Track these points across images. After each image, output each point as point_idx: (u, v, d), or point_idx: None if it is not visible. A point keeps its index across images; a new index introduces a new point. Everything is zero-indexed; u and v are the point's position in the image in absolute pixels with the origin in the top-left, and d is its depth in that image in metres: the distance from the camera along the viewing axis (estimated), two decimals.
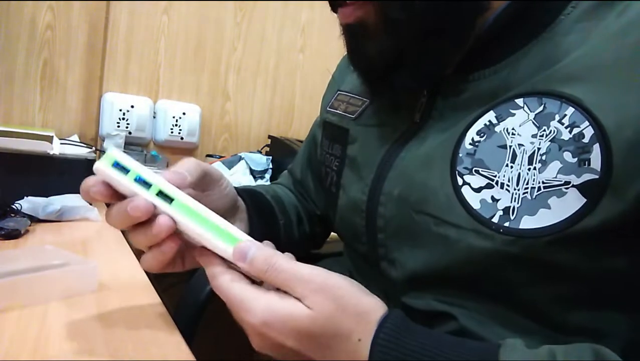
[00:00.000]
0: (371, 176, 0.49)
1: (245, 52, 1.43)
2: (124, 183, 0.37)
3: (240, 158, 1.26)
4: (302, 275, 0.34)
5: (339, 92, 0.62)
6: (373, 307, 0.36)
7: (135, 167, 0.37)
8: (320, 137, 0.64)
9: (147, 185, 0.37)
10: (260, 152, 1.37)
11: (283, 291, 0.35)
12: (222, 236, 0.37)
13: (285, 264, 0.35)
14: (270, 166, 1.29)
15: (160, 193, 0.37)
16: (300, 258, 0.37)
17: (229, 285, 0.36)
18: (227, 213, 0.51)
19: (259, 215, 0.56)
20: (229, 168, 1.22)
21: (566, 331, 0.38)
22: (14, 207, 0.73)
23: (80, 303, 0.46)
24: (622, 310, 0.39)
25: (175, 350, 0.40)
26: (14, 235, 0.65)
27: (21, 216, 0.72)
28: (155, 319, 0.45)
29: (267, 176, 1.27)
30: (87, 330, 0.41)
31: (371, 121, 0.53)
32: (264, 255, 0.35)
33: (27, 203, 0.74)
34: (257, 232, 0.54)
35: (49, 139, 0.85)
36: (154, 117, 1.32)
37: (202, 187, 0.45)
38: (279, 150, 1.35)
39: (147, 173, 0.37)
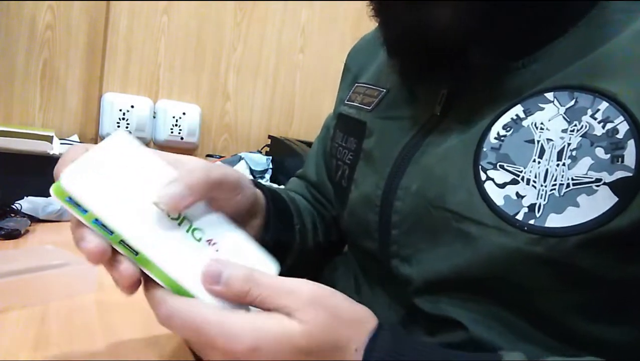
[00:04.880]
0: (387, 170, 0.47)
1: (245, 52, 1.43)
2: (82, 221, 0.31)
3: (240, 158, 1.26)
4: (290, 288, 0.30)
5: (357, 84, 0.58)
6: (366, 315, 0.33)
7: (94, 205, 0.30)
8: (333, 129, 0.60)
9: (108, 231, 0.30)
10: (260, 152, 1.37)
11: (266, 310, 0.30)
12: (179, 293, 0.31)
13: (268, 279, 0.31)
14: (270, 166, 1.29)
15: (123, 243, 0.31)
16: None
17: (193, 308, 0.29)
18: (240, 218, 0.43)
19: (279, 219, 0.51)
20: None
21: (580, 343, 0.37)
22: (14, 207, 0.73)
23: (80, 303, 0.46)
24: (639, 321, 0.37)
25: (175, 350, 0.40)
26: (14, 235, 0.64)
27: (21, 216, 0.72)
28: (155, 319, 0.45)
29: (267, 176, 1.27)
30: (87, 330, 0.41)
31: (388, 113, 0.51)
32: (243, 272, 0.30)
33: (27, 203, 0.74)
34: (272, 234, 0.49)
35: (49, 139, 0.85)
36: (154, 117, 1.32)
37: (211, 197, 0.37)
38: (279, 150, 1.35)
39: (108, 214, 0.30)
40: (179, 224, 0.33)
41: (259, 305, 0.30)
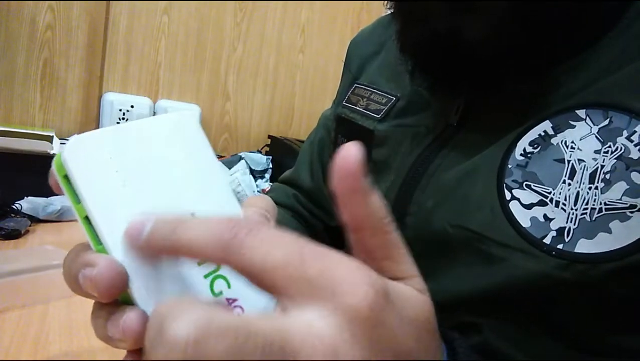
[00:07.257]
0: (399, 182, 0.44)
1: (245, 52, 1.43)
2: (74, 213, 0.22)
3: (240, 158, 1.26)
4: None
5: (356, 85, 0.55)
6: None
7: (90, 196, 0.21)
8: (334, 133, 0.56)
9: (97, 238, 0.21)
10: (260, 152, 1.37)
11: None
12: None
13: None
14: (270, 166, 1.29)
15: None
16: None
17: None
18: None
19: None
20: (229, 168, 1.22)
21: (602, 353, 0.36)
22: (14, 207, 0.73)
23: (80, 303, 0.46)
24: None
25: None
26: (14, 235, 0.65)
27: (21, 216, 0.72)
28: None
29: (267, 176, 1.27)
30: (87, 330, 0.41)
31: (399, 121, 0.48)
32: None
33: (27, 203, 0.74)
34: None
35: (49, 139, 0.85)
36: None
37: None
38: (278, 150, 1.35)
39: (102, 215, 0.21)
40: (199, 263, 0.23)
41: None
